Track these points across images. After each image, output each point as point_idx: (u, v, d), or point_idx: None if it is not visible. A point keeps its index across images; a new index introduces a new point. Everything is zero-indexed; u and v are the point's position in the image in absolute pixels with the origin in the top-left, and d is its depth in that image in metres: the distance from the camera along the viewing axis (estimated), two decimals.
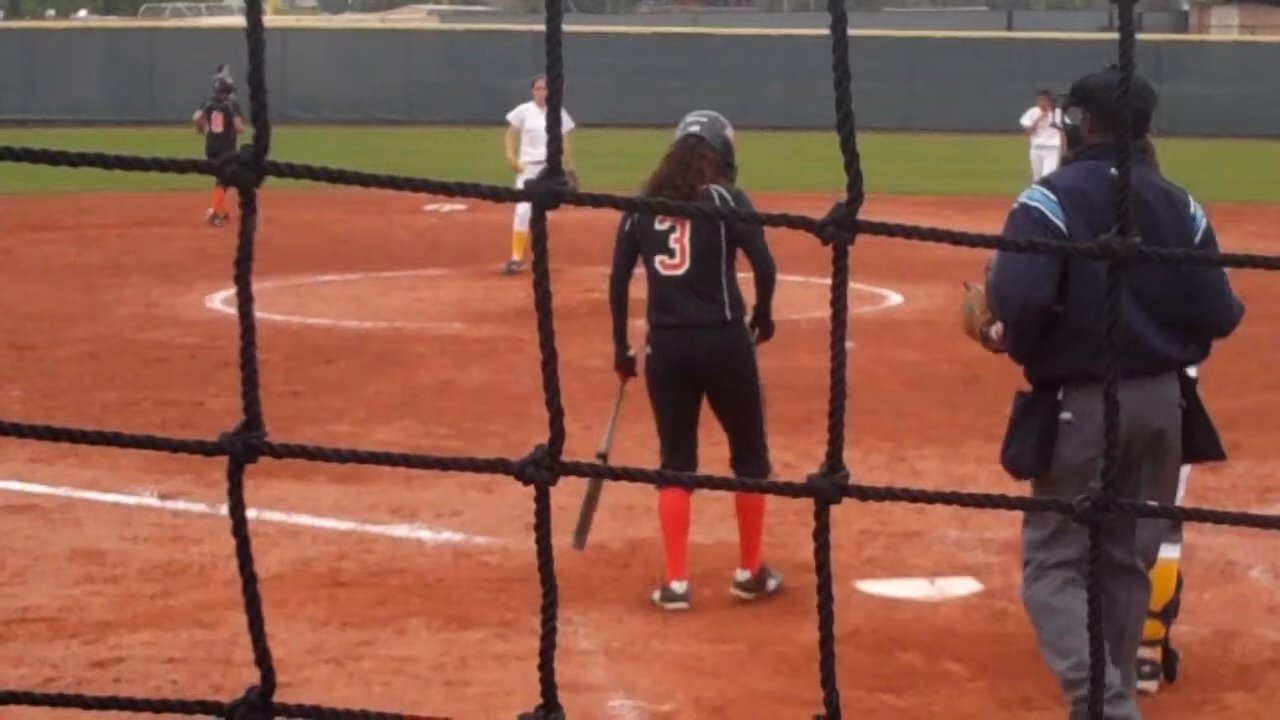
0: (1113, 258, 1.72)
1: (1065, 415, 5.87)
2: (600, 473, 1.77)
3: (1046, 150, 27.07)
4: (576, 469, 1.67)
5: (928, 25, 63.43)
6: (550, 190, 1.62)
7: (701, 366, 7.85)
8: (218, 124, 24.64)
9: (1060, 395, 5.90)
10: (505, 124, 20.51)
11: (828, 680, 1.71)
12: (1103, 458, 1.76)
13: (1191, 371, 6.17)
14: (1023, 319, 5.95)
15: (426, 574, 8.25)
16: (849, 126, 1.65)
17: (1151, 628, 6.53)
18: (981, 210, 23.76)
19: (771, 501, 8.37)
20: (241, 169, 1.60)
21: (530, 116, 19.64)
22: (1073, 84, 6.21)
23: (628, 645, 7.31)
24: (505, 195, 1.68)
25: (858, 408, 9.23)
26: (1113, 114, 5.97)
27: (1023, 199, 5.99)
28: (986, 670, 7.01)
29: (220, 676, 6.80)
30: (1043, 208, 5.88)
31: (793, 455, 10.53)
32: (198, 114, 25.31)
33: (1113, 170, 5.83)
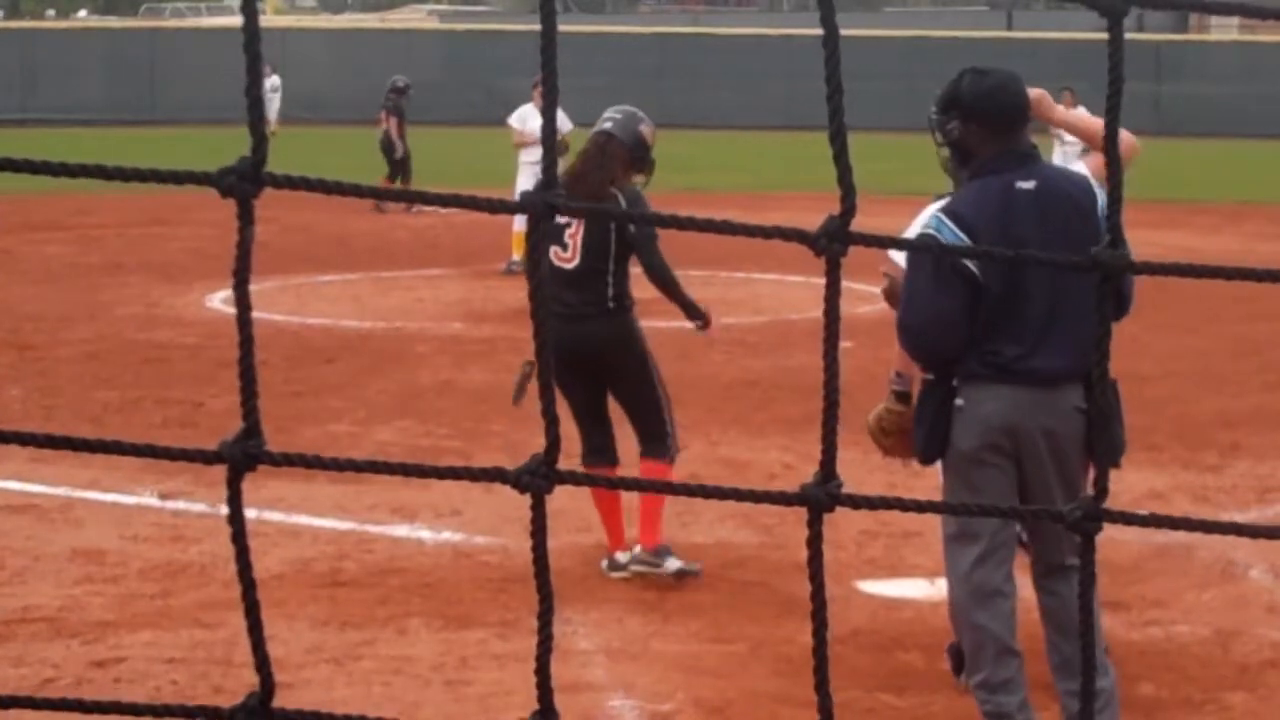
0: (1101, 269, 1.74)
1: (958, 401, 5.93)
2: (600, 482, 1.78)
3: (1070, 147, 27.16)
4: (573, 478, 1.69)
5: (928, 25, 63.41)
6: (546, 202, 1.64)
7: (587, 353, 8.14)
8: (388, 122, 27.40)
9: (955, 383, 5.94)
10: (505, 125, 20.49)
11: (821, 686, 1.73)
12: (1092, 468, 1.80)
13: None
14: (927, 364, 6.06)
15: (426, 574, 8.25)
16: (842, 140, 1.67)
17: None
18: None
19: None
20: (239, 181, 1.62)
21: (531, 117, 19.62)
22: (943, 96, 6.16)
23: (628, 645, 7.31)
24: (500, 208, 1.70)
25: (858, 408, 9.22)
26: (999, 122, 5.96)
27: (929, 231, 5.92)
28: None
29: (220, 677, 6.80)
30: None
31: (792, 456, 10.54)
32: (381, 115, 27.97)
33: (1019, 184, 5.86)
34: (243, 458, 1.65)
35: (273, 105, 45.81)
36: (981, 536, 5.98)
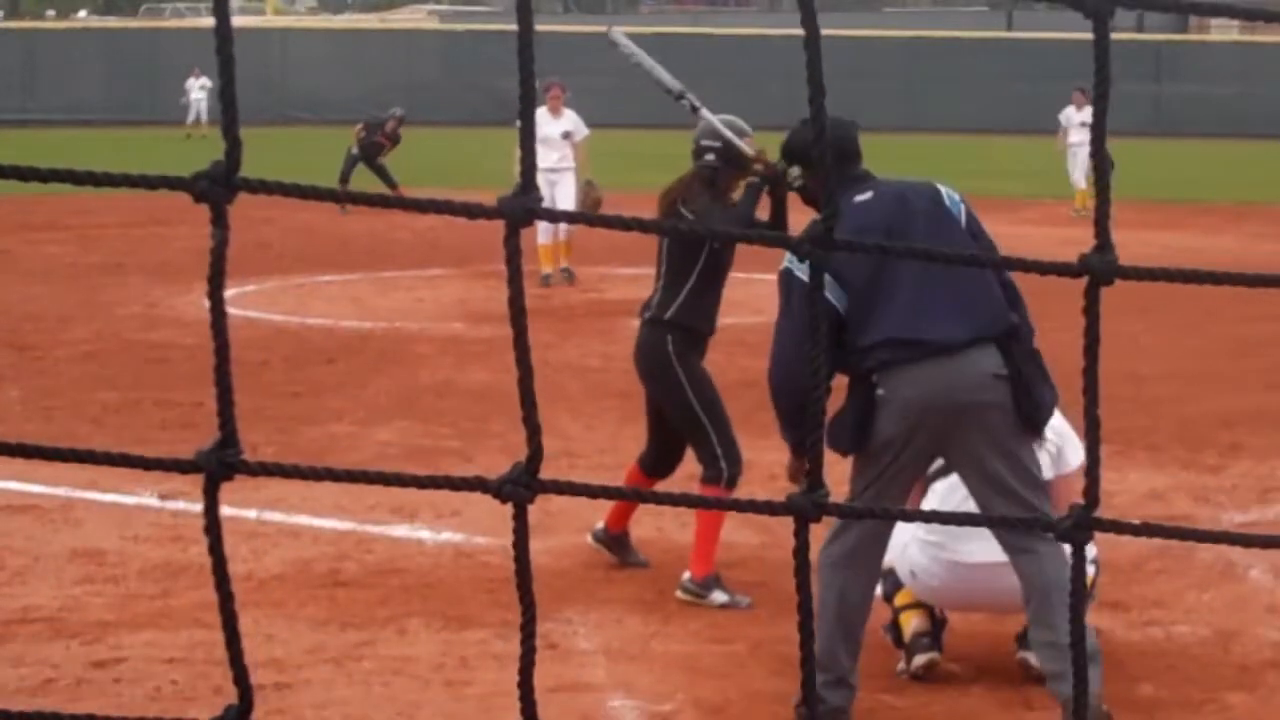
0: (1091, 274, 1.68)
1: (880, 391, 6.17)
2: (581, 491, 1.73)
3: (1079, 147, 27.36)
4: (555, 486, 1.64)
5: (928, 25, 63.41)
6: (525, 208, 1.59)
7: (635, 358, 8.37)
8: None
9: (875, 378, 6.18)
10: (506, 125, 20.41)
11: (807, 682, 1.75)
12: (1083, 477, 1.73)
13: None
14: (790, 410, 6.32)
15: (426, 574, 8.25)
16: (822, 127, 1.69)
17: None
18: (982, 212, 23.61)
19: None
20: (211, 185, 1.59)
21: (541, 124, 19.34)
22: (787, 148, 6.67)
23: (628, 645, 7.31)
24: (479, 212, 1.64)
25: None
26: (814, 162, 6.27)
27: (787, 264, 6.27)
28: (986, 670, 7.01)
29: (220, 678, 6.80)
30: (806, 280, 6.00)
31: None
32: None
33: (858, 198, 6.23)
34: (219, 466, 1.61)
35: (203, 106, 45.77)
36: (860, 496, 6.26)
